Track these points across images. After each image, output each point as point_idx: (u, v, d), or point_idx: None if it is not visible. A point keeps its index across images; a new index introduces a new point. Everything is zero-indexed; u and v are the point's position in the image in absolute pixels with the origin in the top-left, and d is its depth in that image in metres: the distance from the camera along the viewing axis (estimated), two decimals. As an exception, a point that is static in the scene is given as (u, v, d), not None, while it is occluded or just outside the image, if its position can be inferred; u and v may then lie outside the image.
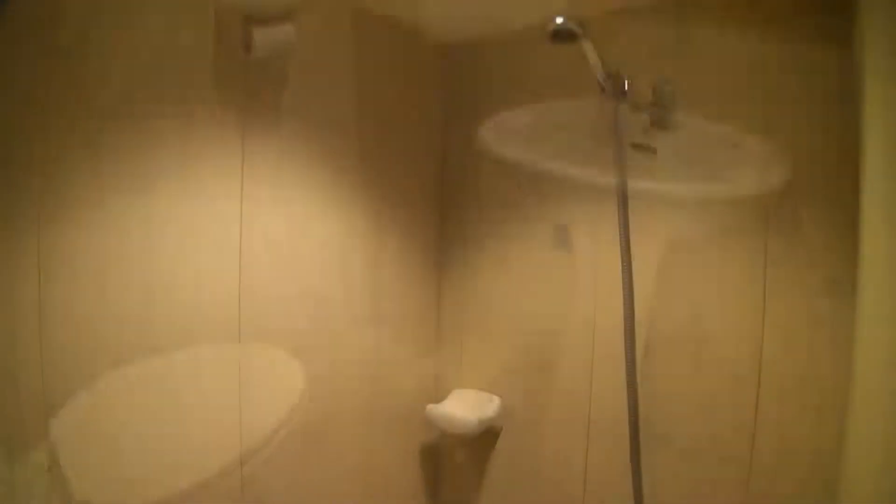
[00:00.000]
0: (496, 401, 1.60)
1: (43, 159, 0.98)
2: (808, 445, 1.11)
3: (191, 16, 1.17)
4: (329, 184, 1.45)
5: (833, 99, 1.08)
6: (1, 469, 0.91)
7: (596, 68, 1.22)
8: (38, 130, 0.97)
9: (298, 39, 1.24)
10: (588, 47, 1.16)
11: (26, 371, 0.95)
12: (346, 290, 1.50)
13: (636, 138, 1.33)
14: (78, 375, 1.01)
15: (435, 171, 1.78)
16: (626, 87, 1.29)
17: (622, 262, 1.31)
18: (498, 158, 1.63)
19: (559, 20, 1.10)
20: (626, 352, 1.30)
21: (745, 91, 1.24)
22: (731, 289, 1.24)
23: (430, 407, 1.61)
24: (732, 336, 1.22)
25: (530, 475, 1.53)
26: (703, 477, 1.23)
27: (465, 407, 1.59)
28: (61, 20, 0.99)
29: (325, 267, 1.44)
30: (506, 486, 1.60)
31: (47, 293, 0.97)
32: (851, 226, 0.94)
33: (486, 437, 1.62)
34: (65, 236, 1.00)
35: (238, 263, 1.25)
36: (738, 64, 1.24)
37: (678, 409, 1.28)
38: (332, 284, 1.46)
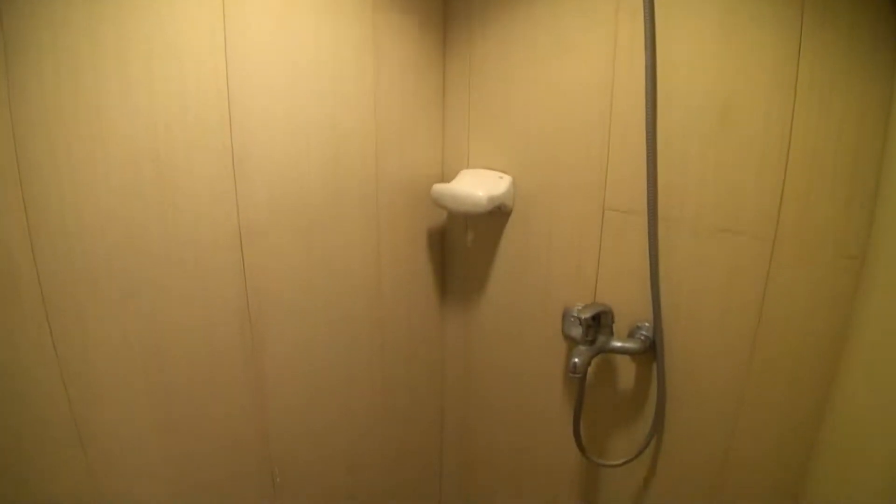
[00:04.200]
0: (507, 179, 1.53)
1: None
2: (835, 226, 1.03)
3: None
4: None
5: None
6: None
7: None
8: None
9: None
10: None
11: (3, 180, 0.93)
12: (342, 69, 1.33)
13: None
14: (60, 179, 0.98)
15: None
16: None
17: (646, 29, 1.11)
18: None
19: None
20: (647, 127, 1.18)
21: None
22: (763, 57, 1.04)
23: (437, 185, 1.56)
24: (761, 110, 1.06)
25: (542, 258, 1.52)
26: (724, 259, 1.18)
27: (473, 185, 1.52)
28: None
29: (317, 52, 1.28)
30: (517, 269, 1.60)
31: (17, 98, 0.90)
32: None
33: (495, 219, 1.59)
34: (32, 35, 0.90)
35: (224, 58, 1.13)
36: None
37: (700, 190, 1.18)
38: (326, 67, 1.30)
